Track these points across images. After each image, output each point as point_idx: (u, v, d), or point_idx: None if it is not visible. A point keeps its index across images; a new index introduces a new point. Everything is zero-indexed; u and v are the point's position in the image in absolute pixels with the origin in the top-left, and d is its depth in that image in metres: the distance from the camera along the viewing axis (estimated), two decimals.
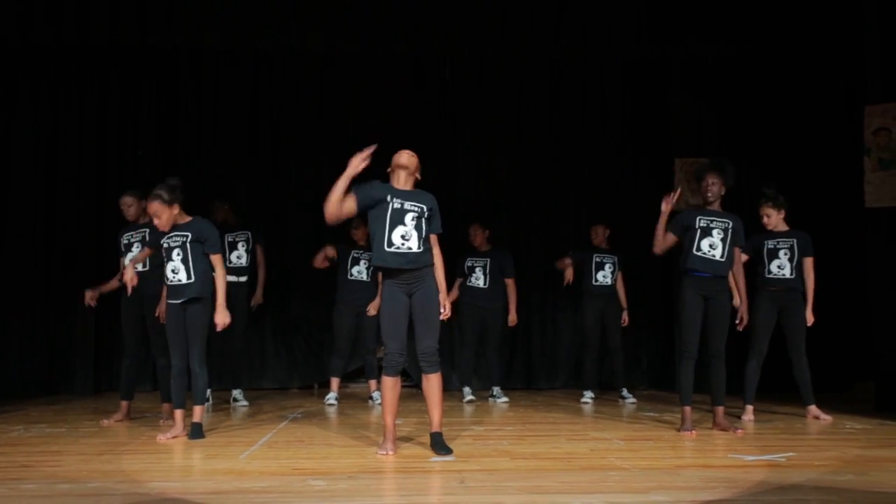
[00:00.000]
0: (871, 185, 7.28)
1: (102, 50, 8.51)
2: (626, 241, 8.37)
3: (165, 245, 5.77)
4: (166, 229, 5.74)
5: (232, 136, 9.07)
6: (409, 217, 5.09)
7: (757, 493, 3.97)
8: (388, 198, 5.13)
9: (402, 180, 5.22)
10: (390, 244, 5.07)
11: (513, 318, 8.17)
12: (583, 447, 5.34)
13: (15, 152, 8.34)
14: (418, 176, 5.28)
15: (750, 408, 6.62)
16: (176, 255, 5.72)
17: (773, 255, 6.66)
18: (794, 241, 6.67)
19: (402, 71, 9.23)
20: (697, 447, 5.38)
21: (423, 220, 5.15)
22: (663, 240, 6.13)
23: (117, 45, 8.31)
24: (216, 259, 5.81)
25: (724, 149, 8.66)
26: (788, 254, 6.65)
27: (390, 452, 5.04)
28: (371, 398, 7.80)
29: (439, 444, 5.08)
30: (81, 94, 8.68)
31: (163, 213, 5.69)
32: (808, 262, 6.68)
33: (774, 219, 6.73)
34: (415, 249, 5.08)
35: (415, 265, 5.09)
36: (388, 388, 5.13)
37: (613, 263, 8.16)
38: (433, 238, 5.26)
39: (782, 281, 6.66)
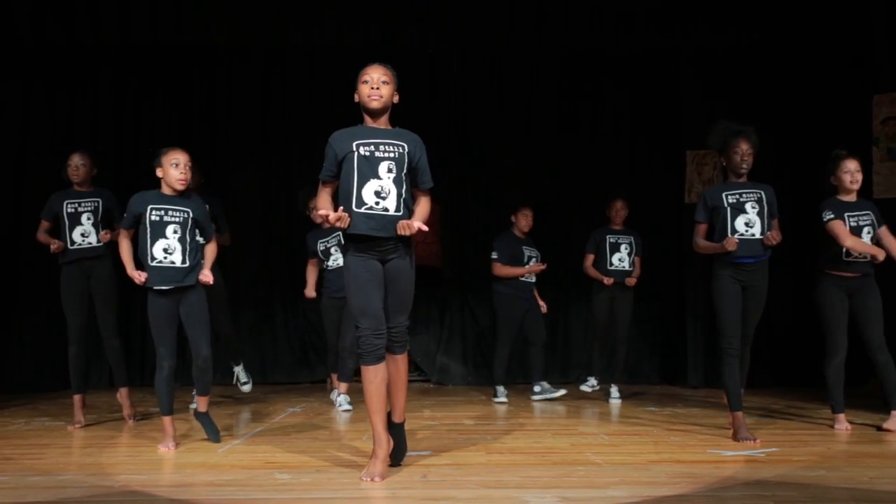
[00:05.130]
0: (880, 175, 7.15)
1: (116, 49, 8.63)
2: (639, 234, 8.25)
3: (155, 218, 4.96)
4: (181, 189, 5.04)
5: (244, 132, 9.13)
6: (383, 167, 4.08)
7: (717, 489, 3.92)
8: (354, 146, 4.12)
9: (372, 119, 4.28)
10: (360, 203, 4.05)
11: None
12: (564, 442, 5.29)
13: (31, 151, 8.48)
14: (396, 99, 4.31)
15: (841, 416, 5.69)
16: (172, 233, 4.96)
17: (857, 232, 5.47)
18: (871, 213, 5.56)
19: (412, 64, 9.18)
20: (682, 442, 5.29)
21: (404, 170, 4.14)
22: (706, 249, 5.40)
23: (130, 44, 8.45)
24: (212, 244, 5.33)
25: None
26: (871, 231, 5.53)
27: (377, 478, 4.04)
28: None
29: (400, 441, 4.45)
30: (95, 92, 8.80)
31: (193, 173, 5.15)
32: (886, 232, 5.54)
33: (861, 178, 5.56)
34: (392, 211, 4.08)
35: (391, 233, 4.09)
36: (369, 380, 4.11)
37: (630, 244, 7.53)
38: (421, 197, 4.27)
39: (861, 265, 5.53)
